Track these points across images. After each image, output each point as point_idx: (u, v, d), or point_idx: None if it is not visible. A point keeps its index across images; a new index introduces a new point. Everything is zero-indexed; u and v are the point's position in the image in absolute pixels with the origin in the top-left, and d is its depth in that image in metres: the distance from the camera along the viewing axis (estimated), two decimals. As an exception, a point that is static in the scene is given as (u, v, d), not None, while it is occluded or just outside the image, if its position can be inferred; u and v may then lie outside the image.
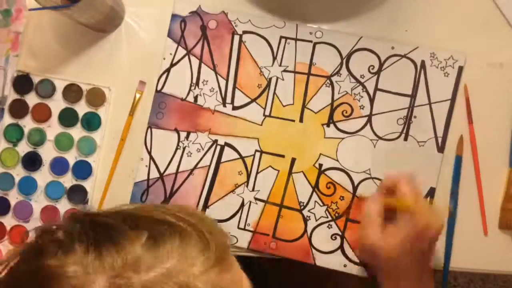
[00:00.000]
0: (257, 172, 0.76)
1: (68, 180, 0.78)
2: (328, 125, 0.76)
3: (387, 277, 0.68)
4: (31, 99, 0.79)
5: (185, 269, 0.44)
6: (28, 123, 0.78)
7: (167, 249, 0.44)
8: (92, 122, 0.78)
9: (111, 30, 0.79)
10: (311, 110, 0.77)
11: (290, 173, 0.76)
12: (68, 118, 0.78)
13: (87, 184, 0.78)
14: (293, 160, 0.76)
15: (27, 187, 0.78)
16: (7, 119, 0.78)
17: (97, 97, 0.78)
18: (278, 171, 0.76)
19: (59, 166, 0.78)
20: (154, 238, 0.44)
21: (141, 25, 0.79)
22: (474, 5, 0.76)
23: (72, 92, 0.79)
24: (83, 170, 0.78)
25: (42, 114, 0.78)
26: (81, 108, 0.79)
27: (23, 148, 0.78)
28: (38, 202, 0.78)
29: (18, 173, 0.78)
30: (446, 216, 0.74)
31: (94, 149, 0.78)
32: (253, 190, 0.76)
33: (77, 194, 0.78)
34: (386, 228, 0.68)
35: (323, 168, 0.76)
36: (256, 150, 0.77)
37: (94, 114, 0.78)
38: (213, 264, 0.46)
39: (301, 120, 0.77)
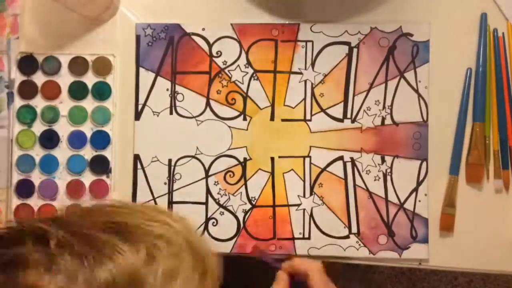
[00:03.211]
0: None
1: (88, 152, 0.78)
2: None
3: None
4: (39, 78, 0.78)
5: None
6: (39, 102, 0.78)
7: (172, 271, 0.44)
8: (102, 92, 0.78)
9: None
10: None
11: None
12: (78, 91, 0.78)
13: (107, 153, 0.78)
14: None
15: (49, 165, 0.78)
16: (18, 102, 0.78)
17: (103, 66, 0.78)
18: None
19: (77, 139, 0.78)
20: (152, 255, 0.44)
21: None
22: (473, 4, 0.77)
23: (78, 64, 0.78)
24: (101, 140, 0.78)
25: (52, 91, 0.78)
26: (90, 79, 0.78)
27: (38, 127, 0.78)
28: (62, 178, 0.78)
29: (38, 153, 0.78)
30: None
31: (108, 117, 0.78)
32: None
33: (99, 164, 0.78)
34: None
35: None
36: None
37: (103, 83, 0.78)
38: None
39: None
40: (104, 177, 0.78)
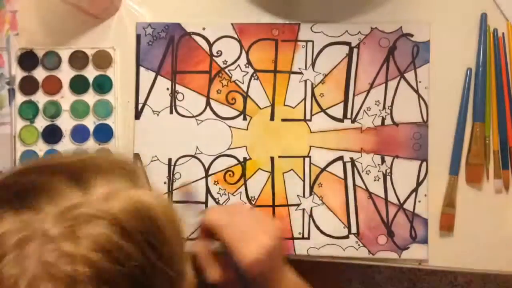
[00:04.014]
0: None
1: (91, 146, 0.78)
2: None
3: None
4: (39, 74, 0.79)
5: (119, 189, 0.45)
6: (41, 98, 0.79)
7: (91, 181, 0.44)
8: (103, 85, 0.78)
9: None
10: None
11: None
12: (79, 85, 0.79)
13: (110, 147, 0.78)
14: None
15: (52, 160, 0.78)
16: (20, 98, 0.79)
17: (103, 59, 0.79)
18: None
19: (79, 134, 0.78)
20: (75, 178, 0.44)
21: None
22: (473, 4, 0.77)
23: (78, 59, 0.79)
24: (104, 133, 0.78)
25: (53, 86, 0.79)
26: (90, 73, 0.79)
27: (41, 123, 0.78)
28: (66, 173, 0.78)
29: (41, 148, 0.78)
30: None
31: (110, 110, 0.78)
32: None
33: (103, 158, 0.78)
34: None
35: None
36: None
37: (104, 77, 0.79)
38: (138, 186, 0.47)
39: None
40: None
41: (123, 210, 0.43)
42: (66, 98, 0.79)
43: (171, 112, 0.78)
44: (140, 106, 0.78)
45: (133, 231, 0.42)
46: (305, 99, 0.77)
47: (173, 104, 0.78)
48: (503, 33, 0.76)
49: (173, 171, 0.77)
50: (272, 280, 0.64)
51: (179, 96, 0.78)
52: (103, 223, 0.41)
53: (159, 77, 0.78)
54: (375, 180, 0.76)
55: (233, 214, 0.67)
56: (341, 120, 0.77)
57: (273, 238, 0.63)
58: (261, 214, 0.72)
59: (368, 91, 0.77)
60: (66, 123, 0.78)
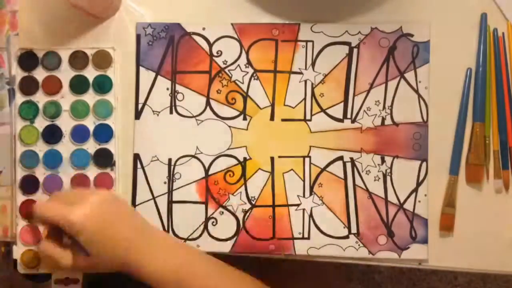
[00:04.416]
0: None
1: (91, 146, 0.78)
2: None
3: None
4: (39, 74, 0.79)
5: None
6: (41, 98, 0.79)
7: None
8: (103, 85, 0.78)
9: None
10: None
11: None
12: (79, 85, 0.78)
13: (110, 147, 0.78)
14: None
15: (52, 160, 0.78)
16: (20, 98, 0.79)
17: (103, 59, 0.79)
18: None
19: (79, 134, 0.78)
20: None
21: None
22: (473, 4, 0.77)
23: (78, 59, 0.79)
24: (104, 133, 0.78)
25: (53, 86, 0.79)
26: (90, 73, 0.79)
27: (41, 123, 0.78)
28: (66, 173, 0.78)
29: (41, 148, 0.78)
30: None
31: (110, 111, 0.78)
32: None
33: (103, 158, 0.78)
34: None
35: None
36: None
37: (104, 77, 0.79)
38: None
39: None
40: (108, 170, 0.78)
41: None
42: (66, 98, 0.79)
43: (171, 112, 0.78)
44: (140, 106, 0.78)
45: None
46: (305, 99, 0.77)
47: (173, 104, 0.78)
48: (503, 33, 0.76)
49: (173, 171, 0.77)
50: (119, 237, 0.65)
51: (179, 96, 0.78)
52: None
53: (159, 77, 0.78)
54: (375, 180, 0.76)
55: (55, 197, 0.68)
56: (341, 120, 0.77)
57: (98, 196, 0.65)
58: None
59: (368, 91, 0.77)
60: (66, 123, 0.78)
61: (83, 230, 0.64)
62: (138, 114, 0.78)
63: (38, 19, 0.80)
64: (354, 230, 0.76)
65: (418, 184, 0.76)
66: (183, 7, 0.79)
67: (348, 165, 0.77)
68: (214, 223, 0.77)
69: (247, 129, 0.78)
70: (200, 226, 0.77)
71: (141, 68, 0.78)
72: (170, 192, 0.77)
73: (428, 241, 0.76)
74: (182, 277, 0.67)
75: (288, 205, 0.77)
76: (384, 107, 0.77)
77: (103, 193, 0.67)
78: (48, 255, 0.68)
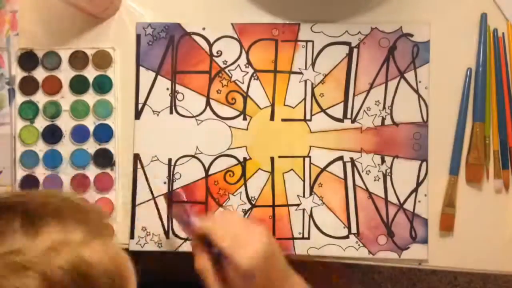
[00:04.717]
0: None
1: (91, 146, 0.78)
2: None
3: None
4: (39, 74, 0.79)
5: (68, 241, 0.43)
6: (41, 98, 0.79)
7: (44, 226, 0.43)
8: (103, 85, 0.79)
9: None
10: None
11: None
12: (79, 85, 0.79)
13: (110, 146, 0.78)
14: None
15: (52, 160, 0.78)
16: (20, 98, 0.79)
17: (103, 59, 0.79)
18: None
19: (79, 134, 0.78)
20: (30, 220, 0.43)
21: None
22: (473, 4, 0.77)
23: (78, 59, 0.79)
24: (103, 133, 0.78)
25: (53, 86, 0.79)
26: (90, 73, 0.79)
27: (41, 123, 0.79)
28: (66, 173, 0.78)
29: (41, 148, 0.78)
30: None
31: (110, 111, 0.78)
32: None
33: (103, 158, 0.78)
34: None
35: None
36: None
37: (104, 77, 0.79)
38: (94, 236, 0.46)
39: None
40: (108, 170, 0.78)
41: (61, 267, 0.42)
42: (66, 98, 0.79)
43: (171, 112, 0.78)
44: (140, 106, 0.78)
45: None
46: (305, 99, 0.77)
47: (173, 104, 0.78)
48: (503, 33, 0.77)
49: (173, 171, 0.77)
50: (272, 280, 0.64)
51: (179, 96, 0.78)
52: (33, 277, 0.40)
53: (159, 77, 0.78)
54: (375, 180, 0.76)
55: (225, 222, 0.65)
56: (341, 120, 0.77)
57: (264, 241, 0.62)
58: (249, 220, 0.72)
59: (368, 91, 0.77)
60: (66, 123, 0.78)
61: (248, 274, 0.61)
62: (138, 114, 0.78)
63: (38, 19, 0.80)
64: (354, 230, 0.76)
65: (418, 184, 0.76)
66: (183, 7, 0.79)
67: (348, 165, 0.77)
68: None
69: (247, 129, 0.78)
70: (200, 226, 0.77)
71: (141, 68, 0.78)
72: (170, 192, 0.77)
73: (428, 241, 0.76)
74: None
75: (288, 205, 0.77)
76: (384, 107, 0.77)
77: (267, 237, 0.62)
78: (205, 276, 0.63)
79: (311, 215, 0.76)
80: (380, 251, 0.76)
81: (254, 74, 0.77)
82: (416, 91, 0.76)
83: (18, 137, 0.78)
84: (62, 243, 0.43)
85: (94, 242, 0.45)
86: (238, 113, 0.77)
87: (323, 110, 0.77)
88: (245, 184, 0.77)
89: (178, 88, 0.78)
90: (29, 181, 0.78)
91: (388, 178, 0.76)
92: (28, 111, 0.78)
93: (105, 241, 0.47)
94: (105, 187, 0.78)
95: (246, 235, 0.62)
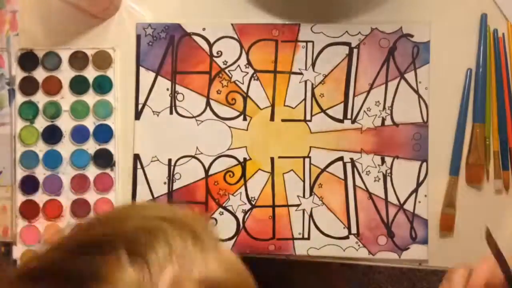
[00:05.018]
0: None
1: (91, 147, 0.78)
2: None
3: None
4: (39, 74, 0.79)
5: (188, 267, 0.40)
6: (41, 98, 0.79)
7: (159, 256, 0.39)
8: (103, 85, 0.78)
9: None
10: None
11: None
12: (79, 85, 0.79)
13: (110, 147, 0.78)
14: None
15: (52, 160, 0.78)
16: (20, 98, 0.79)
17: (103, 59, 0.79)
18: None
19: (79, 134, 0.78)
20: (136, 252, 0.39)
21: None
22: (473, 4, 0.77)
23: (78, 59, 0.79)
24: (103, 133, 0.78)
25: (53, 86, 0.79)
26: (90, 73, 0.79)
27: (41, 123, 0.78)
28: (66, 173, 0.78)
29: (41, 148, 0.78)
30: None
31: (110, 111, 0.78)
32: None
33: (103, 158, 0.78)
34: None
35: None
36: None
37: (104, 77, 0.79)
38: (208, 250, 0.42)
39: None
40: (108, 171, 0.78)
41: None
42: (66, 98, 0.79)
43: (171, 113, 0.78)
44: (140, 106, 0.78)
45: None
46: (305, 99, 0.77)
47: (173, 105, 0.78)
48: (503, 33, 0.77)
49: (173, 172, 0.77)
50: None
51: (179, 97, 0.78)
52: None
53: (159, 77, 0.78)
54: (375, 180, 0.76)
55: None
56: (341, 121, 0.77)
57: None
58: None
59: (368, 92, 0.77)
60: (66, 123, 0.78)
61: None
62: (138, 114, 0.78)
63: (38, 19, 0.80)
64: (354, 230, 0.76)
65: (418, 184, 0.76)
66: (183, 7, 0.79)
67: (348, 166, 0.77)
68: (214, 224, 0.77)
69: (247, 130, 0.78)
70: (200, 226, 0.77)
71: (141, 68, 0.78)
72: (170, 192, 0.77)
73: (428, 241, 0.76)
74: None
75: (288, 206, 0.77)
76: (384, 108, 0.77)
77: None
78: None
79: (311, 216, 0.76)
80: (380, 251, 0.76)
81: (254, 75, 0.77)
82: (416, 92, 0.76)
83: (18, 137, 0.78)
84: (182, 277, 0.39)
85: (210, 263, 0.42)
86: (238, 113, 0.77)
87: (323, 111, 0.77)
88: (245, 184, 0.77)
89: (178, 88, 0.78)
90: (29, 182, 0.78)
91: (388, 178, 0.76)
92: (28, 112, 0.78)
93: (219, 250, 0.44)
94: (105, 187, 0.78)
95: None
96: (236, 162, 0.77)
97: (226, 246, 0.77)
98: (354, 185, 0.76)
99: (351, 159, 0.77)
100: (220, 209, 0.77)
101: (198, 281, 0.40)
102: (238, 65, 0.78)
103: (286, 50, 0.77)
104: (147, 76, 0.78)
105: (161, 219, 0.42)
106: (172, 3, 0.79)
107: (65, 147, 0.78)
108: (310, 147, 0.77)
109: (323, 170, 0.77)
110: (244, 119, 0.77)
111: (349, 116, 0.77)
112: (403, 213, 0.76)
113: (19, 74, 0.79)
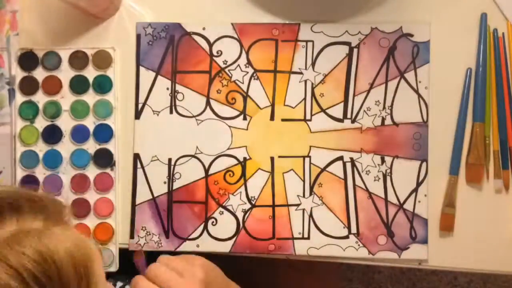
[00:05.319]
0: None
1: (91, 146, 0.78)
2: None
3: None
4: (39, 74, 0.79)
5: (27, 230, 0.45)
6: (41, 98, 0.79)
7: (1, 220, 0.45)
8: (103, 85, 0.79)
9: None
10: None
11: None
12: (79, 85, 0.79)
13: (110, 146, 0.78)
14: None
15: (52, 160, 0.78)
16: (20, 98, 0.79)
17: (103, 59, 0.79)
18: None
19: (79, 134, 0.78)
20: None
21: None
22: (473, 4, 0.77)
23: (78, 59, 0.79)
24: (103, 133, 0.78)
25: (53, 86, 0.79)
26: (90, 73, 0.79)
27: (41, 123, 0.79)
28: (66, 173, 0.78)
29: (41, 148, 0.78)
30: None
31: (110, 111, 0.78)
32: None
33: (103, 158, 0.78)
34: None
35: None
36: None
37: (104, 77, 0.79)
38: (53, 224, 0.47)
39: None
40: (108, 170, 0.78)
41: (25, 254, 0.42)
42: (66, 98, 0.79)
43: (171, 112, 0.78)
44: (140, 106, 0.78)
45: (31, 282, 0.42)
46: (305, 99, 0.77)
47: (173, 104, 0.78)
48: (503, 33, 0.77)
49: (173, 171, 0.77)
50: None
51: (179, 96, 0.78)
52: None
53: (159, 77, 0.78)
54: (375, 180, 0.76)
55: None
56: (341, 120, 0.77)
57: (204, 269, 0.64)
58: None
59: (368, 91, 0.77)
60: (66, 123, 0.78)
61: None
62: (138, 114, 0.78)
63: (38, 19, 0.80)
64: (354, 230, 0.76)
65: (418, 184, 0.76)
66: (183, 7, 0.79)
67: (348, 165, 0.77)
68: (214, 223, 0.77)
69: (247, 129, 0.78)
70: (200, 226, 0.77)
71: (141, 68, 0.78)
72: (170, 192, 0.77)
73: (428, 241, 0.76)
74: None
75: (288, 205, 0.77)
76: (384, 107, 0.77)
77: (205, 265, 0.65)
78: None
79: (311, 215, 0.76)
80: (380, 251, 0.76)
81: (254, 74, 0.77)
82: (416, 91, 0.76)
83: (18, 137, 0.78)
84: (23, 233, 0.44)
85: (54, 229, 0.46)
86: (238, 113, 0.77)
87: (323, 110, 0.77)
88: (245, 184, 0.77)
89: (178, 88, 0.78)
90: (29, 181, 0.78)
91: (388, 178, 0.76)
92: (28, 111, 0.78)
93: (65, 227, 0.48)
94: (105, 187, 0.78)
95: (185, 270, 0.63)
96: (236, 162, 0.77)
97: (226, 246, 0.77)
98: (354, 185, 0.76)
99: (351, 158, 0.77)
100: (220, 209, 0.77)
101: (40, 252, 0.43)
102: (238, 65, 0.78)
103: (286, 50, 0.77)
104: (147, 76, 0.78)
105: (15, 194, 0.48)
106: (172, 3, 0.79)
107: (65, 147, 0.78)
108: (310, 146, 0.77)
109: (323, 169, 0.77)
110: (244, 118, 0.77)
111: (349, 116, 0.77)
112: (403, 212, 0.76)
113: (19, 74, 0.79)
